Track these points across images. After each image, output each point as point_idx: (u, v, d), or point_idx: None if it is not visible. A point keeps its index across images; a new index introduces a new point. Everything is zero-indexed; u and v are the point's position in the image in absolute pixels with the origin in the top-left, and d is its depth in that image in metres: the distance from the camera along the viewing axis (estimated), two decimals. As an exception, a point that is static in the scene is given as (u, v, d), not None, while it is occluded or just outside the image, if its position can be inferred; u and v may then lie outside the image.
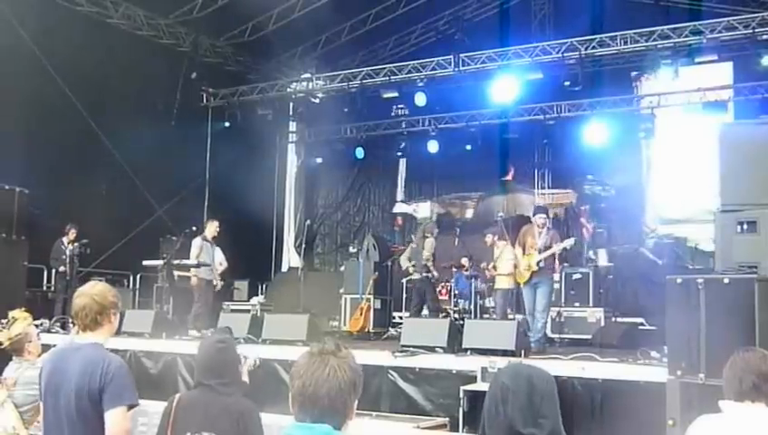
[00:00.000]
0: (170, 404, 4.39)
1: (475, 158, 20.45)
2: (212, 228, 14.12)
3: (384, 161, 23.14)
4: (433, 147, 20.89)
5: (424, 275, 13.63)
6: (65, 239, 14.59)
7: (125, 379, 4.17)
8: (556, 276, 13.42)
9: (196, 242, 13.84)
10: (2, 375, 5.83)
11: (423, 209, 22.91)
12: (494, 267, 13.57)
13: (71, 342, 4.54)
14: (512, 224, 14.60)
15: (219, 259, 14.48)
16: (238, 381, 4.54)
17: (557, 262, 12.15)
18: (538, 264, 11.17)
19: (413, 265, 13.84)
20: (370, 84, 18.25)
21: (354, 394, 2.63)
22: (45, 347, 6.37)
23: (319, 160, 23.06)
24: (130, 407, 4.16)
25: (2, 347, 5.87)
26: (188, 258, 13.82)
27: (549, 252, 11.19)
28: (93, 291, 4.34)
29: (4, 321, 5.97)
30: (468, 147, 20.28)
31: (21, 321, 5.86)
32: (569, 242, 11.60)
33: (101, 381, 4.08)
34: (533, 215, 12.01)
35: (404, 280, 16.50)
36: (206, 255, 13.79)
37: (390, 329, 14.75)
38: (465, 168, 21.14)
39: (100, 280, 14.79)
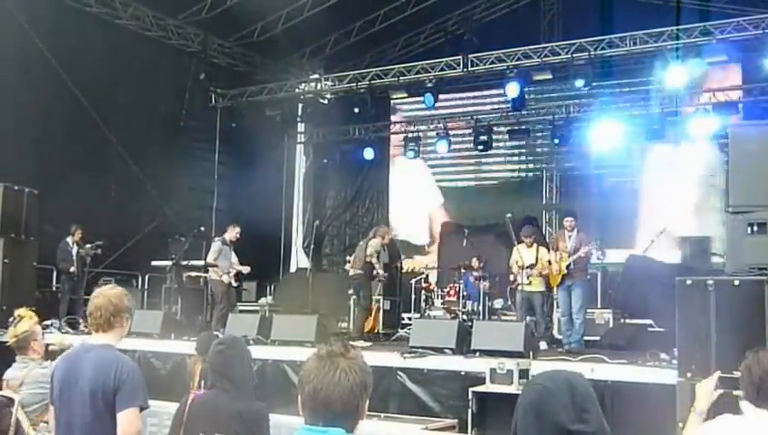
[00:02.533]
0: (183, 405, 4.45)
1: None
2: (232, 233, 14.14)
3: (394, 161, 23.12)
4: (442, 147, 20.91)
5: (359, 271, 13.31)
6: (70, 239, 14.60)
7: (138, 380, 4.24)
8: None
9: (216, 246, 13.85)
10: (2, 377, 5.84)
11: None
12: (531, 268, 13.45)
13: (82, 343, 4.56)
14: (519, 224, 14.54)
15: (234, 261, 14.55)
16: (250, 383, 4.58)
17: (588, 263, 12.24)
18: (568, 267, 11.53)
19: (349, 261, 13.85)
20: (379, 85, 18.24)
21: (366, 395, 2.61)
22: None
23: (324, 162, 23.06)
24: (141, 408, 4.22)
25: (7, 344, 5.89)
26: (197, 259, 13.86)
27: (576, 255, 11.51)
28: (111, 293, 4.42)
29: (11, 320, 6.00)
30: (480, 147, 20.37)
31: (27, 319, 5.89)
32: (591, 247, 11.79)
33: (115, 382, 4.14)
34: (564, 218, 12.28)
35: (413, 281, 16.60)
36: (223, 258, 13.81)
37: (399, 330, 14.73)
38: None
39: (109, 281, 14.96)
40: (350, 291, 14.43)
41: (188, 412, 4.40)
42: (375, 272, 13.43)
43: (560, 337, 12.32)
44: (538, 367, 8.85)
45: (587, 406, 2.46)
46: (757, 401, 3.78)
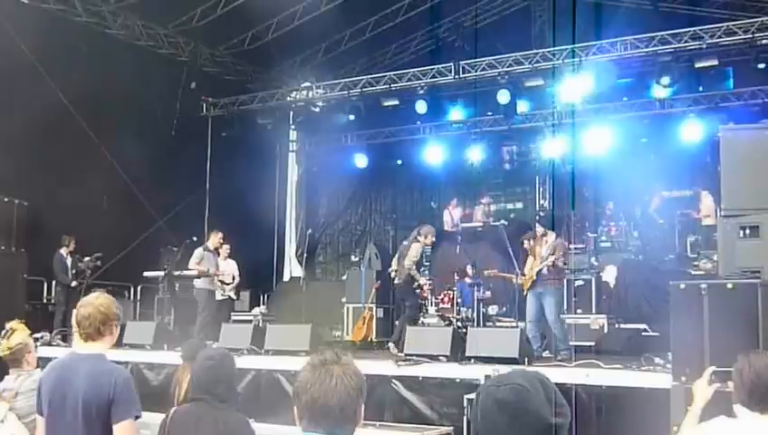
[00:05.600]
0: (166, 418, 4.48)
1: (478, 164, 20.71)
2: (215, 239, 14.15)
3: (385, 169, 23.07)
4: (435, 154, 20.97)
5: (403, 280, 12.82)
6: (64, 251, 14.54)
7: (132, 392, 4.25)
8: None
9: (197, 252, 13.86)
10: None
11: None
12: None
13: (72, 353, 4.53)
14: (514, 231, 14.57)
15: (233, 273, 14.50)
16: (233, 395, 4.58)
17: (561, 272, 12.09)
18: (538, 273, 11.33)
19: (395, 270, 13.02)
20: (371, 92, 18.23)
21: (362, 399, 2.64)
22: (45, 360, 6.35)
23: (314, 169, 23.07)
24: (136, 418, 4.24)
25: (2, 356, 5.85)
26: (189, 270, 13.83)
27: (544, 263, 11.32)
28: (98, 301, 4.39)
29: (3, 332, 5.96)
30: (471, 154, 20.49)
31: (20, 332, 5.85)
32: (553, 259, 11.46)
33: (111, 395, 4.14)
34: (537, 225, 12.16)
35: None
36: (207, 265, 13.79)
37: (393, 338, 14.68)
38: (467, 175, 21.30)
39: (101, 292, 14.82)
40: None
41: (170, 425, 4.41)
42: (415, 284, 12.69)
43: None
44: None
45: (560, 400, 2.44)
46: (750, 404, 3.79)
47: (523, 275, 11.91)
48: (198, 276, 13.77)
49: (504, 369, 8.04)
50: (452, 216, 19.17)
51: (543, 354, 11.17)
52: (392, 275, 13.23)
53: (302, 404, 2.57)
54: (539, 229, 11.88)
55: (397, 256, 13.36)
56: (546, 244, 11.65)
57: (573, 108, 18.38)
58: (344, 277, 18.58)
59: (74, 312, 4.50)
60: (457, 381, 9.24)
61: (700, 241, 15.85)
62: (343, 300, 16.70)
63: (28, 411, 5.48)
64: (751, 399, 3.77)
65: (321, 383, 2.55)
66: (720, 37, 14.82)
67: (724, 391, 4.25)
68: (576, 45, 15.98)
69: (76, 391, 4.16)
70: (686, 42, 15.08)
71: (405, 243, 13.33)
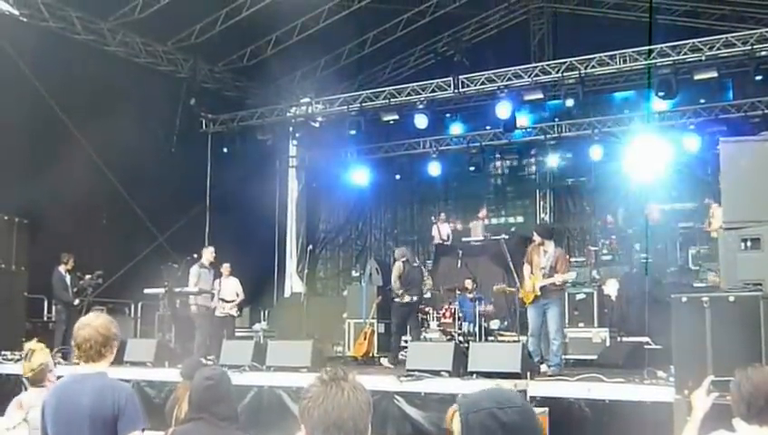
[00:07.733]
0: None
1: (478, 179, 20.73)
2: (208, 255, 14.14)
3: (385, 184, 23.07)
4: (435, 169, 21.01)
5: (417, 298, 13.83)
6: (62, 268, 14.48)
7: (137, 405, 4.24)
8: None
9: (194, 270, 13.84)
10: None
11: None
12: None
13: (73, 373, 4.51)
14: (515, 244, 14.55)
15: (236, 290, 14.47)
16: (234, 413, 4.56)
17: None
18: (541, 288, 11.02)
19: (403, 289, 13.78)
20: (370, 107, 18.25)
21: (371, 414, 2.62)
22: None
23: (314, 185, 23.08)
24: (143, 430, 4.23)
25: (25, 377, 5.84)
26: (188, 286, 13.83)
27: (549, 280, 10.95)
28: (97, 323, 4.35)
29: (16, 354, 5.96)
30: (472, 168, 20.48)
31: (39, 351, 5.83)
32: (570, 275, 11.40)
33: (115, 409, 4.13)
34: (534, 233, 11.81)
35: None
36: (204, 282, 13.78)
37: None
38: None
39: (101, 310, 14.85)
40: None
41: None
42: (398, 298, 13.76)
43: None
44: (535, 388, 8.78)
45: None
46: (748, 418, 3.79)
47: (521, 286, 11.59)
48: (200, 293, 13.74)
49: (507, 384, 7.97)
50: (439, 230, 19.23)
51: (542, 368, 11.00)
52: (404, 295, 13.70)
53: (315, 419, 2.54)
54: (536, 238, 11.43)
55: (406, 274, 13.73)
56: (545, 254, 11.17)
57: (573, 120, 18.46)
58: (345, 293, 18.51)
59: (74, 332, 4.48)
60: (459, 396, 9.18)
61: (711, 253, 15.69)
62: (344, 315, 16.61)
63: (37, 425, 5.49)
64: (749, 411, 3.77)
65: (333, 397, 2.53)
66: (719, 49, 14.86)
67: (725, 404, 4.22)
68: (575, 58, 16.00)
69: (82, 410, 4.15)
70: (685, 54, 15.11)
71: (417, 265, 14.15)
